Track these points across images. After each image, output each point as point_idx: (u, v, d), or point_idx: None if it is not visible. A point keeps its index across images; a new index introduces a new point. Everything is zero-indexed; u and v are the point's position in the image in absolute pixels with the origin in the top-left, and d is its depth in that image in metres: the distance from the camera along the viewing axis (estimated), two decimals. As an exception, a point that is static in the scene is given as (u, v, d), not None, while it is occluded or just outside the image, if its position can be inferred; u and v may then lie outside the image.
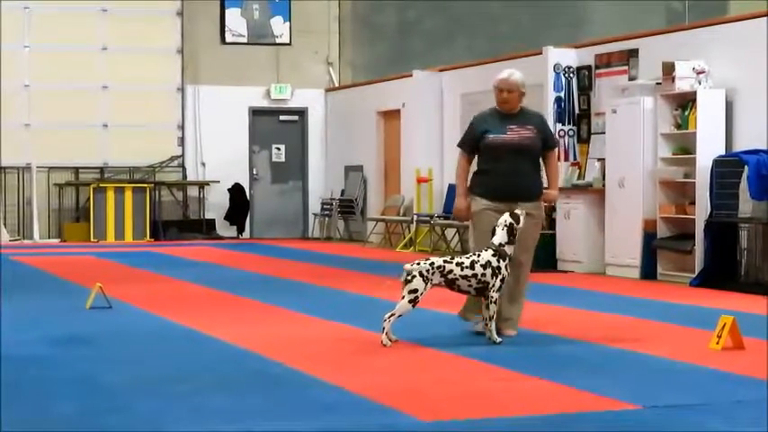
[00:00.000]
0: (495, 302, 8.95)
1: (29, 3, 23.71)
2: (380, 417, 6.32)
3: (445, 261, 8.95)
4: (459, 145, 9.76)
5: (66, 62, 23.90)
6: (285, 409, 6.54)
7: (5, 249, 20.95)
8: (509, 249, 9.00)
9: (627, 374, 7.69)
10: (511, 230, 8.99)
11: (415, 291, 8.80)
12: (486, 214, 9.40)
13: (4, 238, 23.06)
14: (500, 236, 8.99)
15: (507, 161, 9.45)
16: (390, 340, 8.81)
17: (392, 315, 8.82)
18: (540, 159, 9.70)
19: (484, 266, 8.91)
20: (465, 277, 8.92)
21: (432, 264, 8.89)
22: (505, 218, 9.03)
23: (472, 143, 9.61)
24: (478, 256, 8.97)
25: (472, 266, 8.92)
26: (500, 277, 8.95)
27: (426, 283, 8.83)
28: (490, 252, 8.96)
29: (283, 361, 8.15)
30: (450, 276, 8.91)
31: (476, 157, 9.71)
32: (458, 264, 8.93)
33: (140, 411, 6.49)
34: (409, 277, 8.82)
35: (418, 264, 8.87)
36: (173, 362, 8.30)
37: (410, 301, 8.81)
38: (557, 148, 10.22)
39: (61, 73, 23.86)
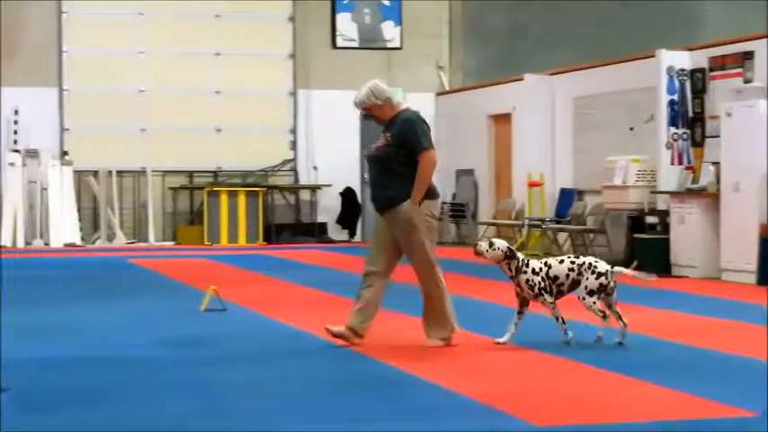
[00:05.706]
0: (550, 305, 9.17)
1: (143, 8, 24.09)
2: (493, 420, 6.31)
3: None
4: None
5: (180, 67, 24.25)
6: (396, 411, 6.56)
7: (122, 252, 21.31)
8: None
9: (742, 381, 7.57)
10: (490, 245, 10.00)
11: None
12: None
13: (120, 240, 23.46)
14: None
15: (370, 171, 9.53)
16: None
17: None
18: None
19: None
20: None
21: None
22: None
23: None
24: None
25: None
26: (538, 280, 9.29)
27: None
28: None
29: (394, 363, 8.17)
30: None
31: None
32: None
33: (251, 412, 6.55)
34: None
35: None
36: (284, 364, 8.37)
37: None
38: (424, 153, 9.68)
39: (175, 78, 24.21)
